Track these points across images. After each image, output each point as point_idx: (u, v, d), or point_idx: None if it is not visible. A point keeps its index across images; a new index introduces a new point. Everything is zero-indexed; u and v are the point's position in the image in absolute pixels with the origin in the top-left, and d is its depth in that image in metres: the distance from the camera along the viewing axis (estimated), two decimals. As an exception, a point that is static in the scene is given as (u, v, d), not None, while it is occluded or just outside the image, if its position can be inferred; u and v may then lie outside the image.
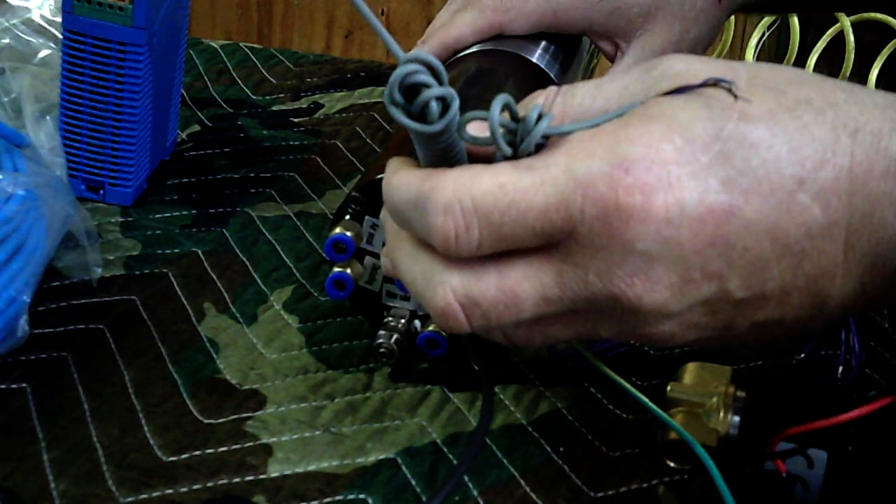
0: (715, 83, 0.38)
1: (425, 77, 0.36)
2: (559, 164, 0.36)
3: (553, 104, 0.40)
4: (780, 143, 0.37)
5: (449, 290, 0.38)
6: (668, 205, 0.36)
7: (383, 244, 0.53)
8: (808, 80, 0.39)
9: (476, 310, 0.38)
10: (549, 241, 0.37)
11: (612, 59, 0.66)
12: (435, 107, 0.37)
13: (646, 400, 0.46)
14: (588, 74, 0.70)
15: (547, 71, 0.63)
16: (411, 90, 0.37)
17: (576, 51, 0.67)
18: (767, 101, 0.37)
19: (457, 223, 0.37)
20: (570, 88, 0.40)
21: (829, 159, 0.37)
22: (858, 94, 0.39)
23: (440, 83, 0.36)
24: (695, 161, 0.36)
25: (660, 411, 0.46)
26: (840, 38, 0.85)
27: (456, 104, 0.37)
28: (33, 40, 0.72)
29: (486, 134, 0.37)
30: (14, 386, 0.52)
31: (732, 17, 0.83)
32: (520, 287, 0.38)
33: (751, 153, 0.37)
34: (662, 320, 0.38)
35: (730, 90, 0.37)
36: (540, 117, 0.37)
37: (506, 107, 0.37)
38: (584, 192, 0.36)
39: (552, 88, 0.41)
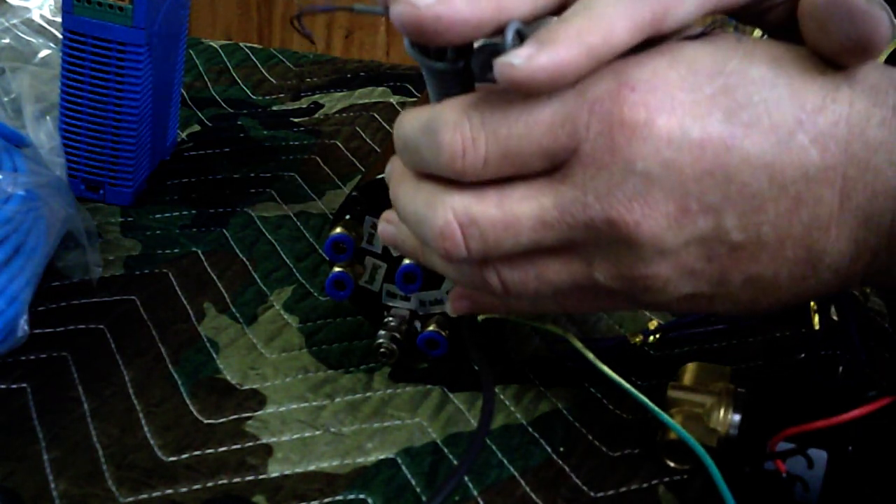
0: (720, 25, 0.39)
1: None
2: None
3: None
4: (782, 84, 0.38)
5: (449, 209, 0.38)
6: (671, 126, 0.36)
7: (384, 245, 0.53)
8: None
9: (474, 229, 0.38)
10: (553, 161, 0.37)
11: None
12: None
13: (646, 400, 0.46)
14: None
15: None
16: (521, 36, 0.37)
17: None
18: (772, 48, 0.39)
19: (464, 137, 0.37)
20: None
21: (829, 105, 0.38)
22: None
23: None
24: (698, 90, 0.37)
25: (660, 411, 0.46)
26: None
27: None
28: (33, 40, 0.72)
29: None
30: (14, 386, 0.52)
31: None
32: (519, 207, 0.38)
33: (752, 89, 0.37)
34: (658, 258, 0.38)
35: (735, 28, 0.38)
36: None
37: (518, 33, 0.37)
38: (590, 108, 0.37)
39: None
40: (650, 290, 0.39)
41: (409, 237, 0.43)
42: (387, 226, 0.44)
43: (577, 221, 0.38)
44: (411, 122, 0.39)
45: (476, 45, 0.38)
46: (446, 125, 0.37)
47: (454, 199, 0.38)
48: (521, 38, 0.37)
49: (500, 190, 0.38)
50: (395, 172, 0.42)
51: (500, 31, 0.37)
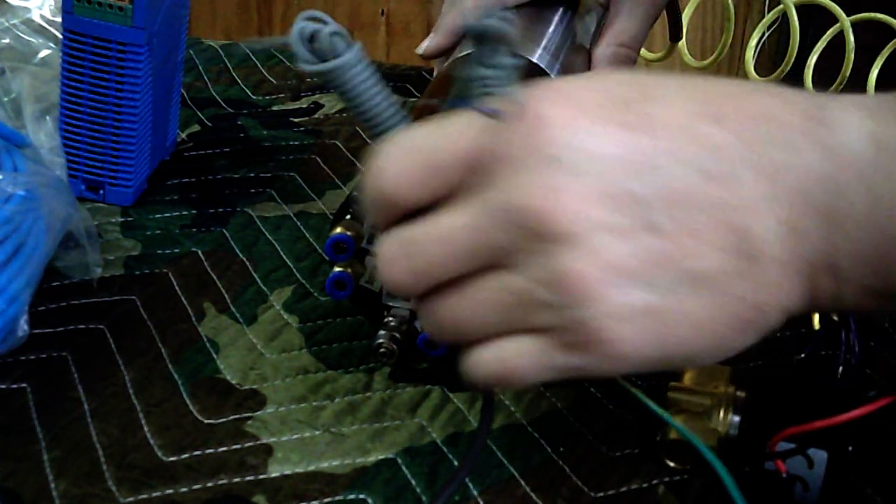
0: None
1: (318, 24, 0.40)
2: None
3: None
4: (690, 88, 0.38)
5: (391, 239, 0.39)
6: (583, 117, 0.37)
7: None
8: None
9: (413, 247, 0.38)
10: (475, 168, 0.37)
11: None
12: (339, 40, 0.39)
13: (647, 400, 0.46)
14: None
15: (547, 70, 0.63)
16: (313, 40, 0.40)
17: (573, 42, 0.67)
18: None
19: (391, 161, 0.38)
20: None
21: (739, 104, 0.38)
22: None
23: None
24: (610, 89, 0.38)
25: (662, 411, 0.46)
26: (840, 38, 0.84)
27: (352, 43, 0.39)
28: (33, 40, 0.72)
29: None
30: (14, 386, 0.52)
31: (732, 16, 0.83)
32: (451, 219, 0.38)
33: (659, 91, 0.38)
34: (581, 252, 0.36)
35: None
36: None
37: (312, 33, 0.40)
38: (507, 116, 0.37)
39: None
40: (587, 301, 0.37)
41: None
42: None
43: (504, 222, 0.37)
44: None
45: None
46: (377, 159, 0.38)
47: (395, 231, 0.39)
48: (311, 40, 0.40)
49: (435, 211, 0.38)
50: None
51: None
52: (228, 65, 0.88)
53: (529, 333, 0.38)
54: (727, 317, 0.38)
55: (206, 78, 0.86)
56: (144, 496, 0.46)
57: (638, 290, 0.37)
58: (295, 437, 0.50)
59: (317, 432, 0.50)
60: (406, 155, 0.38)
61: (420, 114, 0.60)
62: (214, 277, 0.61)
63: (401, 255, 0.39)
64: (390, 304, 0.54)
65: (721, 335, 0.38)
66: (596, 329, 0.37)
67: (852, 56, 0.84)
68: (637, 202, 0.37)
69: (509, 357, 0.39)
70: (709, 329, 0.38)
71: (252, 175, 0.72)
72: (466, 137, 0.38)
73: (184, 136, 0.77)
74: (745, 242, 0.37)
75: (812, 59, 0.90)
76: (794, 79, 0.76)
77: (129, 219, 0.66)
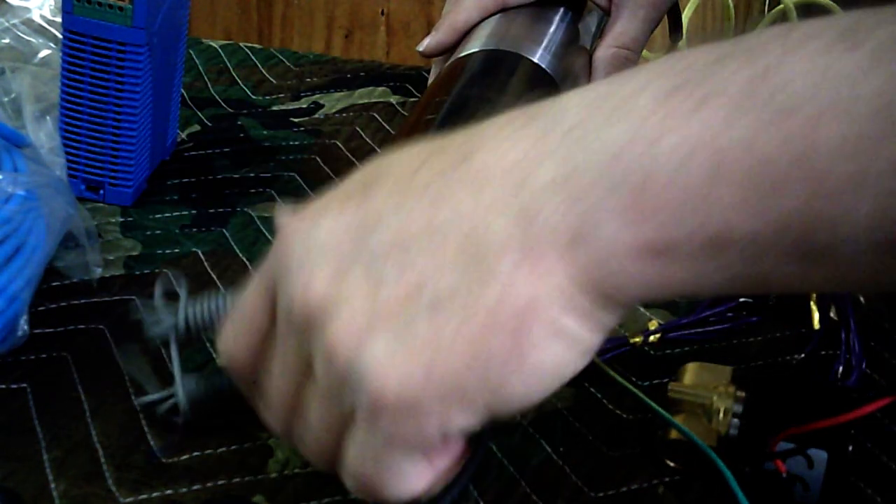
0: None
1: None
2: None
3: None
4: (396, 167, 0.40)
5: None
6: (311, 219, 0.40)
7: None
8: None
9: (227, 327, 0.42)
10: (269, 302, 0.41)
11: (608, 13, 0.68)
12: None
13: (653, 404, 0.46)
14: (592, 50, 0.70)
15: (548, 70, 0.63)
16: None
17: (576, 41, 0.67)
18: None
19: (223, 340, 0.43)
20: None
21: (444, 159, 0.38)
22: None
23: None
24: (339, 190, 0.41)
25: (663, 411, 0.46)
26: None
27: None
28: (33, 40, 0.72)
29: None
30: (14, 386, 0.52)
31: (732, 16, 0.83)
32: (249, 302, 0.41)
33: (382, 170, 0.40)
34: (332, 325, 0.37)
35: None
36: None
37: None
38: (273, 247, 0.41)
39: None
40: (352, 364, 0.36)
41: None
42: None
43: (288, 325, 0.39)
44: None
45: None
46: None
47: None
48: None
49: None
50: None
51: None
52: (228, 65, 0.88)
53: (354, 429, 0.38)
54: (483, 329, 0.35)
55: (206, 78, 0.86)
56: (144, 496, 0.46)
57: (391, 334, 0.36)
58: (295, 437, 0.50)
59: (317, 432, 0.50)
60: (230, 328, 0.42)
61: (423, 110, 0.60)
62: (214, 277, 0.61)
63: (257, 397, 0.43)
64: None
65: (490, 353, 0.35)
66: (372, 386, 0.36)
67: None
68: (367, 261, 0.37)
69: (356, 457, 0.39)
70: (472, 350, 0.35)
71: (252, 175, 0.72)
72: (253, 286, 0.41)
73: (184, 136, 0.77)
74: (473, 247, 0.36)
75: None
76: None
77: (129, 219, 0.66)
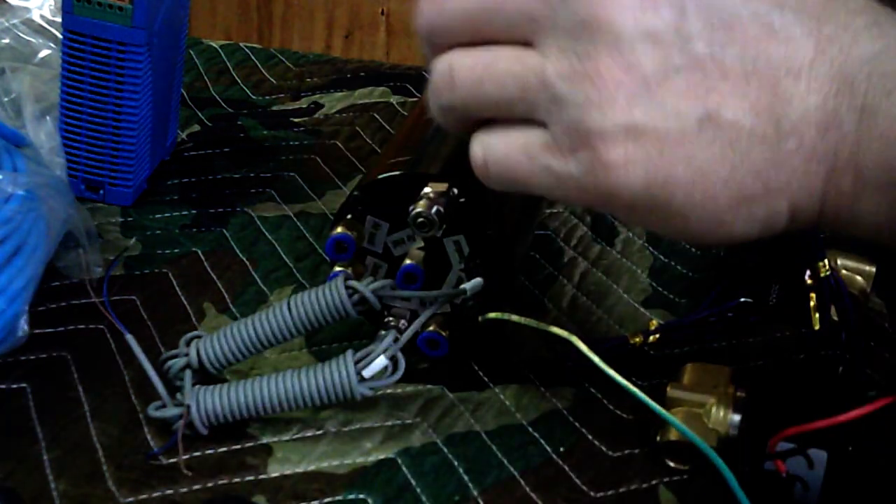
0: None
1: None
2: None
3: None
4: None
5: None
6: None
7: (385, 244, 0.53)
8: None
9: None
10: None
11: None
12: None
13: (648, 400, 0.46)
14: None
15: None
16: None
17: None
18: None
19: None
20: None
21: None
22: None
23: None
24: None
25: (663, 411, 0.46)
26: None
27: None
28: (33, 40, 0.72)
29: None
30: (14, 386, 0.52)
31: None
32: None
33: None
34: (612, 49, 0.35)
35: None
36: None
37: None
38: None
39: None
40: (597, 105, 0.36)
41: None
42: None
43: None
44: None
45: None
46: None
47: None
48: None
49: None
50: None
51: None
52: (228, 65, 0.88)
53: (533, 127, 0.38)
54: (732, 181, 0.35)
55: (206, 78, 0.86)
56: (144, 496, 0.46)
57: (649, 109, 0.35)
58: (295, 437, 0.50)
59: (317, 432, 0.50)
60: None
61: (423, 110, 0.60)
62: (214, 277, 0.61)
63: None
64: (391, 303, 0.54)
65: (717, 200, 0.36)
66: (594, 139, 0.35)
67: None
68: (683, 11, 0.35)
69: (510, 143, 0.38)
70: (707, 184, 0.35)
71: (252, 175, 0.72)
72: None
73: (184, 136, 0.77)
74: (779, 109, 0.35)
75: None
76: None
77: (129, 219, 0.66)
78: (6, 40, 0.72)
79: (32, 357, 0.53)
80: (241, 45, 0.92)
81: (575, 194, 0.38)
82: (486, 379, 0.55)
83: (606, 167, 0.36)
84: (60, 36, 0.64)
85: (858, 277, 0.57)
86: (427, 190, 0.51)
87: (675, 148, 0.35)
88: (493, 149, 0.40)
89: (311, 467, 0.48)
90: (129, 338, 0.52)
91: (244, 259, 0.63)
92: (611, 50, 0.35)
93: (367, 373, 0.49)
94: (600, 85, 0.36)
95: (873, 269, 0.58)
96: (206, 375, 0.51)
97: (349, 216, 0.53)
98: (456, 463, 0.49)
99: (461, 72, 0.39)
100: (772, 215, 0.36)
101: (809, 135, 0.35)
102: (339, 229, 0.53)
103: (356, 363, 0.49)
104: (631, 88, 0.35)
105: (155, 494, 0.46)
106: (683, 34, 0.35)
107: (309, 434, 0.50)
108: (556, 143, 0.37)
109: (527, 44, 0.38)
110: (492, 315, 0.53)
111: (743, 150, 0.35)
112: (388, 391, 0.53)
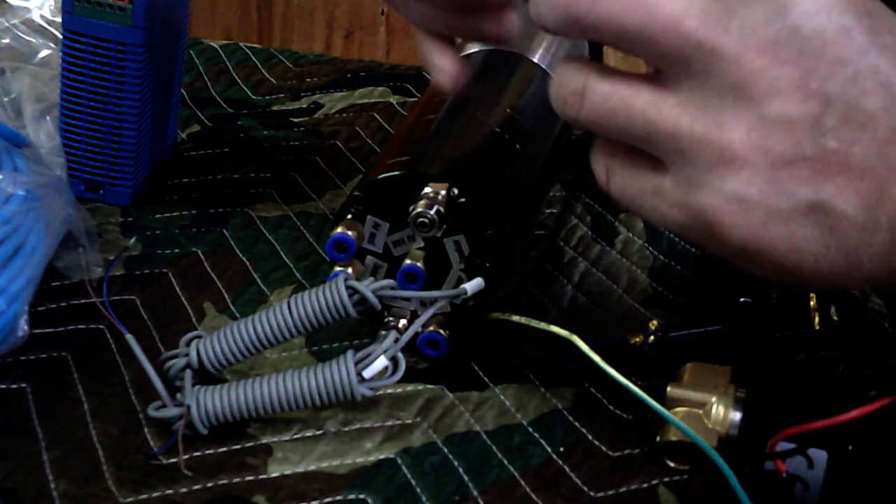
0: None
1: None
2: None
3: None
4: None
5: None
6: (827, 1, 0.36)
7: (385, 244, 0.53)
8: None
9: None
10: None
11: None
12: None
13: (648, 400, 0.46)
14: None
15: (548, 70, 0.63)
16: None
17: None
18: None
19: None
20: None
21: None
22: None
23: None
24: None
25: (664, 411, 0.46)
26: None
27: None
28: (33, 40, 0.72)
29: None
30: (14, 386, 0.52)
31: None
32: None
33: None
34: (750, 115, 0.36)
35: None
36: None
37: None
38: None
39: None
40: (717, 167, 0.37)
41: None
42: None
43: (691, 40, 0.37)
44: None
45: None
46: None
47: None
48: None
49: None
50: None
51: None
52: (228, 65, 0.88)
53: (652, 169, 0.39)
54: (823, 259, 0.38)
55: (206, 78, 0.86)
56: (144, 496, 0.46)
57: (767, 187, 0.37)
58: (295, 437, 0.50)
59: (317, 432, 0.50)
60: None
61: (422, 110, 0.60)
62: (214, 277, 0.61)
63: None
64: (391, 303, 0.54)
65: (803, 270, 0.38)
66: (706, 196, 0.37)
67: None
68: (826, 105, 0.36)
69: (626, 177, 0.40)
70: (800, 258, 0.38)
71: (252, 175, 0.72)
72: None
73: (184, 136, 0.77)
74: (882, 206, 0.37)
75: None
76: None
77: (129, 219, 0.66)
78: (6, 40, 0.72)
79: (32, 357, 0.53)
80: (241, 45, 0.92)
81: (676, 230, 0.40)
82: (486, 379, 0.55)
83: (710, 224, 0.38)
84: (60, 36, 0.64)
85: (858, 277, 0.57)
86: (427, 190, 0.51)
87: (779, 224, 0.37)
88: (614, 178, 0.41)
89: (311, 467, 0.48)
90: (129, 338, 0.52)
91: (244, 259, 0.63)
92: (750, 127, 0.37)
93: (367, 373, 0.49)
94: (728, 157, 0.37)
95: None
96: (206, 375, 0.51)
97: (349, 216, 0.53)
98: (456, 463, 0.49)
99: (593, 97, 0.40)
100: (846, 282, 0.39)
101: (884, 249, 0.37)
102: (340, 229, 0.53)
103: (356, 363, 0.49)
104: (756, 167, 0.37)
105: (155, 494, 0.46)
106: (820, 127, 0.36)
107: (309, 434, 0.50)
108: (671, 188, 0.39)
109: (660, 71, 0.38)
110: (492, 315, 0.53)
111: (841, 236, 0.37)
112: (389, 391, 0.53)
